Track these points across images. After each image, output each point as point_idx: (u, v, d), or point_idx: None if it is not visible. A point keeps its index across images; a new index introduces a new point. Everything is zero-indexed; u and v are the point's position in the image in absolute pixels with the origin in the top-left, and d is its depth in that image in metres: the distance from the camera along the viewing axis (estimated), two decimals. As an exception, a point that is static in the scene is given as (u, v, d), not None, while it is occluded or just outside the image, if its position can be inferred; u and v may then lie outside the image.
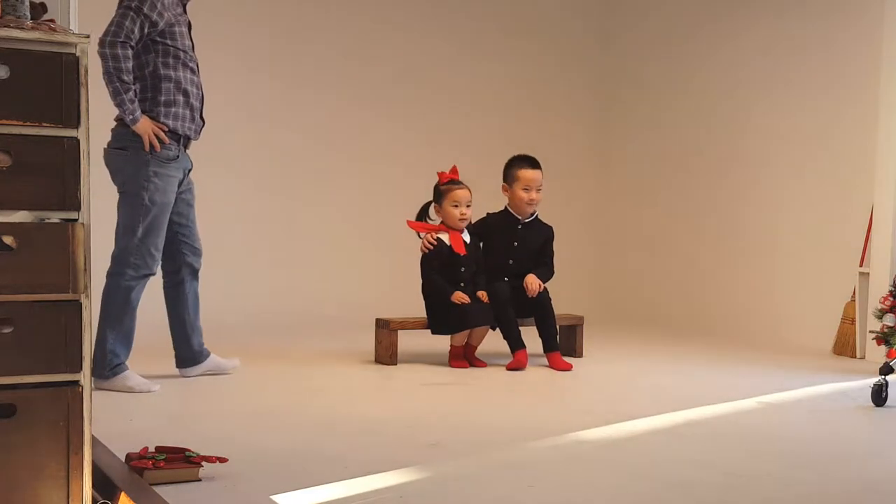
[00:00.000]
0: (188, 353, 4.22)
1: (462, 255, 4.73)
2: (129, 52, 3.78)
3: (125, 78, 3.78)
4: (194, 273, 4.26)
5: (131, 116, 3.81)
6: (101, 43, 3.75)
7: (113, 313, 3.89)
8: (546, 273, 4.89)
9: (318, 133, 6.58)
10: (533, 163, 4.91)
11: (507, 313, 4.71)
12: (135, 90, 3.85)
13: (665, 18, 6.88)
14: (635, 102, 7.12)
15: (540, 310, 4.78)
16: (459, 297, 4.65)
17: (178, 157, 4.01)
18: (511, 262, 4.87)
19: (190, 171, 4.15)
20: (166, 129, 3.91)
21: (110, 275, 3.93)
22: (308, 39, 6.56)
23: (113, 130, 3.99)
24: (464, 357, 4.71)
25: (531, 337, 4.77)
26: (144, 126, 3.84)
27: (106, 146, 3.97)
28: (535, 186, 4.86)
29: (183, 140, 4.03)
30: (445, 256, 4.72)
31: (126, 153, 3.89)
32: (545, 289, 4.83)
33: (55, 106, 2.08)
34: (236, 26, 6.37)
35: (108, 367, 3.85)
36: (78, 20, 3.24)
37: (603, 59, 7.38)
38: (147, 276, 3.99)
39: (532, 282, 4.76)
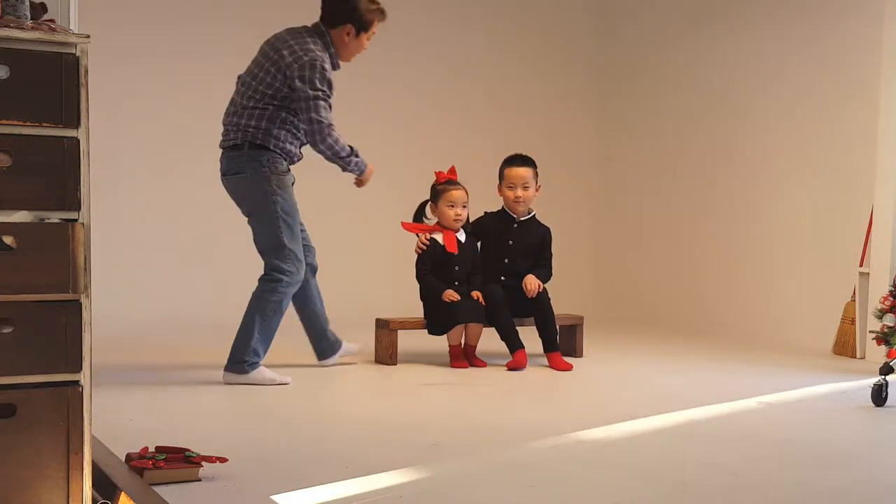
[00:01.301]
0: (326, 344, 4.50)
1: (455, 254, 4.74)
2: (334, 131, 4.10)
3: (343, 155, 4.15)
4: (314, 270, 4.46)
5: (360, 169, 4.24)
6: (321, 142, 4.08)
7: (265, 318, 4.12)
8: (545, 274, 4.89)
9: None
10: (520, 160, 4.91)
11: (503, 315, 4.71)
12: (354, 152, 4.20)
13: (664, 15, 6.88)
14: (635, 102, 7.12)
15: (540, 311, 4.78)
16: (449, 295, 4.67)
17: (288, 170, 4.22)
18: (506, 260, 4.87)
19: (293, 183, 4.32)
20: (285, 155, 4.16)
21: (265, 283, 4.16)
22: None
23: (224, 158, 4.19)
24: (464, 357, 4.72)
25: (531, 337, 4.77)
26: (370, 170, 4.31)
27: (224, 176, 4.19)
28: (519, 184, 4.85)
29: (289, 160, 4.23)
30: (439, 256, 4.74)
31: (244, 175, 4.10)
32: (545, 289, 4.83)
33: (55, 106, 2.07)
34: (235, 26, 6.37)
35: (247, 363, 4.07)
36: (78, 20, 3.24)
37: (602, 58, 7.38)
38: (298, 282, 4.21)
39: (531, 282, 4.76)
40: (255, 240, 4.25)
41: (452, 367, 4.64)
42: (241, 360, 4.08)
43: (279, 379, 4.10)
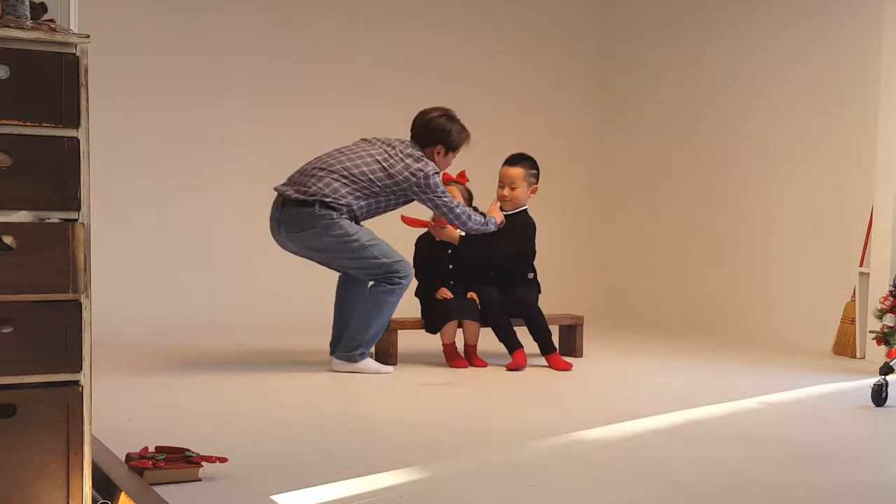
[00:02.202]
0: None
1: (449, 252, 4.76)
2: (465, 215, 4.55)
3: (482, 222, 4.62)
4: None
5: (495, 224, 4.70)
6: (465, 227, 4.58)
7: (381, 315, 4.43)
8: (502, 245, 4.71)
9: (318, 132, 6.57)
10: (513, 160, 4.87)
11: (499, 316, 4.69)
12: (482, 218, 4.64)
13: (664, 16, 6.88)
14: (634, 104, 7.12)
15: (528, 318, 4.72)
16: (443, 292, 4.70)
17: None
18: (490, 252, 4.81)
19: None
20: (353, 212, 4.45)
21: (384, 284, 4.42)
22: (306, 37, 6.57)
23: (285, 213, 4.40)
24: (461, 356, 4.70)
25: (530, 339, 4.76)
26: (500, 219, 4.74)
27: (290, 233, 4.41)
28: (507, 183, 4.82)
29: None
30: (436, 253, 4.75)
31: (316, 230, 4.35)
32: (532, 294, 4.76)
33: (55, 106, 2.07)
34: (237, 25, 6.37)
35: (358, 353, 4.41)
36: (78, 20, 3.24)
37: (603, 58, 7.38)
38: (412, 277, 4.51)
39: (449, 230, 4.71)
40: (355, 273, 4.50)
41: (450, 366, 4.64)
42: (353, 349, 4.40)
43: (383, 369, 4.44)
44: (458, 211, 4.52)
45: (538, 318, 4.73)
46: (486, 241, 4.70)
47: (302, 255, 4.55)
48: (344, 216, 4.38)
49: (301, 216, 4.35)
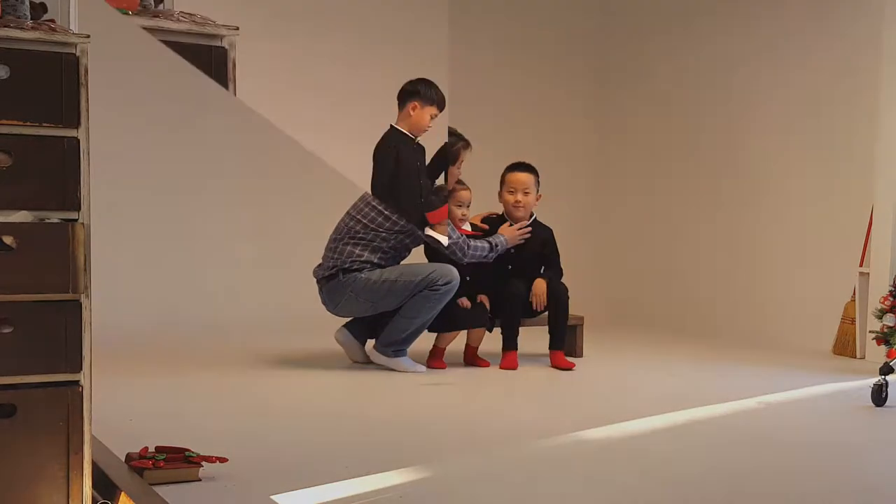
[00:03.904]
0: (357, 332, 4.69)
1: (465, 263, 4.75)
2: (471, 242, 4.56)
3: (486, 254, 4.60)
4: None
5: (504, 246, 4.68)
6: (462, 260, 4.53)
7: (422, 315, 4.46)
8: (555, 274, 4.83)
9: (318, 131, 6.57)
10: (521, 167, 4.86)
11: (515, 315, 4.67)
12: (492, 246, 4.62)
13: (664, 16, 6.88)
14: (634, 104, 7.11)
15: (555, 305, 4.70)
16: (463, 302, 4.62)
17: None
18: (510, 266, 4.81)
19: None
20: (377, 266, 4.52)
21: (424, 295, 4.43)
22: (305, 31, 6.56)
23: (323, 291, 4.56)
24: (442, 360, 4.65)
25: (532, 337, 4.75)
26: (512, 237, 4.71)
27: (335, 307, 4.55)
28: (520, 189, 4.78)
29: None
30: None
31: (348, 294, 4.47)
32: (564, 287, 4.77)
33: (55, 106, 2.08)
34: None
35: (392, 348, 4.50)
36: (78, 20, 3.23)
37: (602, 58, 7.38)
38: (457, 282, 4.46)
39: (540, 294, 4.70)
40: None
41: (428, 366, 4.59)
42: (388, 345, 4.48)
43: (417, 368, 4.50)
44: (454, 246, 4.50)
45: (562, 311, 4.73)
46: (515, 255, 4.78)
47: (367, 315, 4.61)
48: (367, 271, 4.47)
49: (333, 289, 4.51)
